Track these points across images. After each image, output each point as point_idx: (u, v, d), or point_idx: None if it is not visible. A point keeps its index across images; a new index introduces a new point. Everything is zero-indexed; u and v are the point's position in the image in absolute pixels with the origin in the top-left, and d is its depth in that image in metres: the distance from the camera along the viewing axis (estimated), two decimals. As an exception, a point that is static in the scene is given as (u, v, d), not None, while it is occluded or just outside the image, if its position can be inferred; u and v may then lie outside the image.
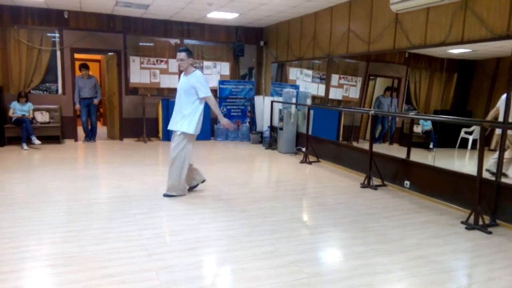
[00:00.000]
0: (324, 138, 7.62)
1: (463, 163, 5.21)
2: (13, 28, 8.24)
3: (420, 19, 5.34)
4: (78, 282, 2.73)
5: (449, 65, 5.30)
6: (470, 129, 5.06)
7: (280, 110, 8.49)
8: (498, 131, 4.41)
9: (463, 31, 4.75)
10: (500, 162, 4.25)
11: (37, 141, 7.93)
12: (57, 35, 8.59)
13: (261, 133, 9.68)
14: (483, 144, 4.11)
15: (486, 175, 4.33)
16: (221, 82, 10.08)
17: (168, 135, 9.40)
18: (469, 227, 4.06)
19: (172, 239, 3.60)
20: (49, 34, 8.54)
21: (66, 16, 8.50)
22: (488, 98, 4.80)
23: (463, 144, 5.17)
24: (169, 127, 4.85)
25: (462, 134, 5.20)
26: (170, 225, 4.02)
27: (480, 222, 4.06)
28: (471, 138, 5.09)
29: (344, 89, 7.52)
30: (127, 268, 2.95)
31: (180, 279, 2.81)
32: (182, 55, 4.68)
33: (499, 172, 4.26)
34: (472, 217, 4.13)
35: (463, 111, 5.15)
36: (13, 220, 3.89)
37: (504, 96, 4.26)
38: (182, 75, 4.89)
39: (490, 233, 3.93)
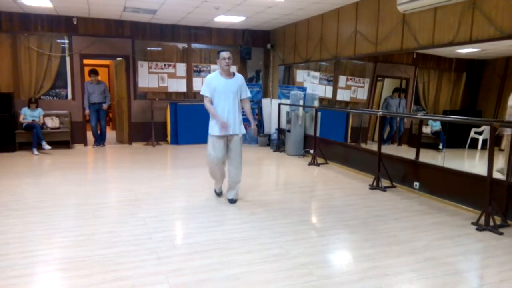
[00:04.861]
0: (332, 140, 7.60)
1: (473, 163, 5.16)
2: (23, 35, 8.35)
3: (427, 19, 5.31)
4: (88, 286, 2.75)
5: (458, 65, 5.26)
6: (480, 129, 5.02)
7: (288, 113, 8.48)
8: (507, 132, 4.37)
9: (471, 30, 4.71)
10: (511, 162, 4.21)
11: (47, 146, 8.00)
12: (66, 41, 8.69)
13: (269, 135, 9.68)
14: (493, 144, 4.07)
15: (498, 176, 4.28)
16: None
17: (176, 139, 9.45)
18: (480, 228, 4.01)
19: (182, 242, 3.62)
20: (58, 41, 8.65)
21: (75, 22, 8.60)
22: (498, 97, 4.75)
23: (473, 144, 5.12)
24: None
25: (472, 134, 5.15)
26: (179, 228, 4.05)
27: (491, 223, 4.01)
28: (481, 138, 5.04)
29: (352, 90, 7.49)
30: (137, 272, 2.97)
31: (189, 282, 2.82)
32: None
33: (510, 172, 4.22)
34: (482, 218, 4.08)
35: (473, 111, 5.10)
36: (24, 225, 3.93)
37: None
38: (222, 77, 4.61)
39: (501, 234, 3.88)
